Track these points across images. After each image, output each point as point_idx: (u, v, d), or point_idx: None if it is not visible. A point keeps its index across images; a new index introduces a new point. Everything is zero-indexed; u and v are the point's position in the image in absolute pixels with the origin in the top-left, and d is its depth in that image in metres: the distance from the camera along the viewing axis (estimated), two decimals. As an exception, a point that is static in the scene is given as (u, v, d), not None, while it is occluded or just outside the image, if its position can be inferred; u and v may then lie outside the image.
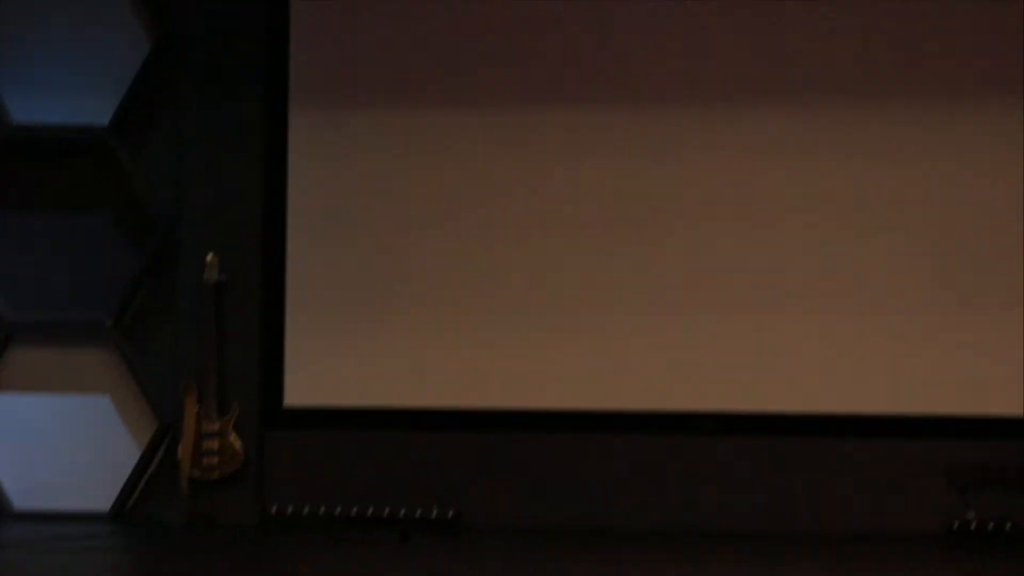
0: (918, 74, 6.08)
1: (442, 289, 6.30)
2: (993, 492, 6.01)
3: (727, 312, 6.15)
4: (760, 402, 6.13)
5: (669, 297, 6.19)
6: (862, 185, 6.08)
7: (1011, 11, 6.03)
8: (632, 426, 6.23)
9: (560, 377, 6.26)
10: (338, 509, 6.31)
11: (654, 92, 6.19)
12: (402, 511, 6.27)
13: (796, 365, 6.13)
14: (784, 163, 6.13)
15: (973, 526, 5.99)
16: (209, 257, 6.31)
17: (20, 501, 6.60)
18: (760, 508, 6.13)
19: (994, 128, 6.04)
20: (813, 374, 6.11)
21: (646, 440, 6.23)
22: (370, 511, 6.29)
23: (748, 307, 6.16)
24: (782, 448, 6.16)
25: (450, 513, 6.25)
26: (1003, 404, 6.01)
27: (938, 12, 6.08)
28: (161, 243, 6.45)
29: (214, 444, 6.30)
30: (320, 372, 6.37)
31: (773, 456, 6.15)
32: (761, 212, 6.15)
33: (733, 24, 6.16)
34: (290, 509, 6.33)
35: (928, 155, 6.06)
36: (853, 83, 6.10)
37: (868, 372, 6.08)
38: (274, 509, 6.35)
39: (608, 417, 6.24)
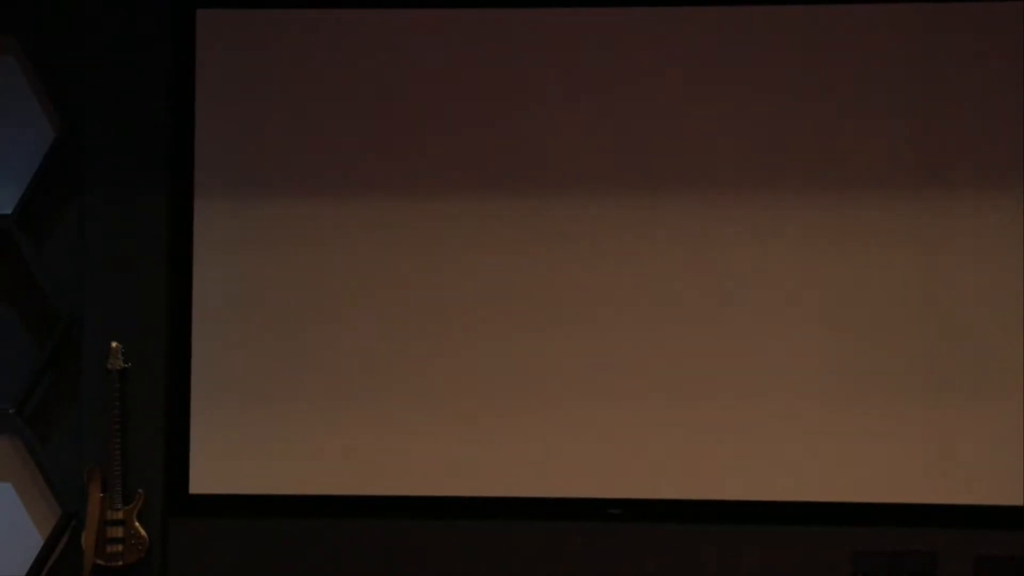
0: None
1: (347, 378, 6.26)
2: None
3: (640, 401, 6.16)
4: (676, 489, 6.15)
5: (595, 383, 6.20)
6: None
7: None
8: (539, 513, 6.21)
9: (463, 464, 6.23)
10: (243, 597, 6.21)
11: (562, 180, 6.22)
12: (306, 598, 6.19)
13: (715, 453, 6.14)
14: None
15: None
16: (113, 345, 6.25)
17: (-79, 590, 6.39)
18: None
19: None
20: (728, 461, 6.12)
21: (556, 526, 6.22)
22: (275, 598, 6.20)
23: (681, 396, 6.16)
24: (695, 534, 6.17)
25: (353, 600, 6.19)
26: (908, 493, 6.07)
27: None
28: (64, 332, 6.38)
29: (118, 532, 6.21)
30: (226, 459, 6.28)
31: (686, 542, 6.18)
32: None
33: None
34: (196, 597, 6.23)
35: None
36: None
37: (783, 461, 6.11)
38: (179, 597, 6.23)
39: (514, 503, 6.21)
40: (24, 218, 6.40)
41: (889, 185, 6.09)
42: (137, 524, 6.24)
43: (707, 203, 6.15)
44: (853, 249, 6.12)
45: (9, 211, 6.39)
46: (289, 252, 6.29)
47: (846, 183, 6.11)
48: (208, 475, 6.31)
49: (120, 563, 6.22)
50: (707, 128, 6.16)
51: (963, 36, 6.08)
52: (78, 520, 6.32)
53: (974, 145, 6.08)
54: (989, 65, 6.07)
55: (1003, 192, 6.06)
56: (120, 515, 6.23)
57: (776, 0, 6.17)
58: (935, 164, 6.09)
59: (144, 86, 6.31)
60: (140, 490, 6.26)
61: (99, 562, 6.21)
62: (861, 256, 6.11)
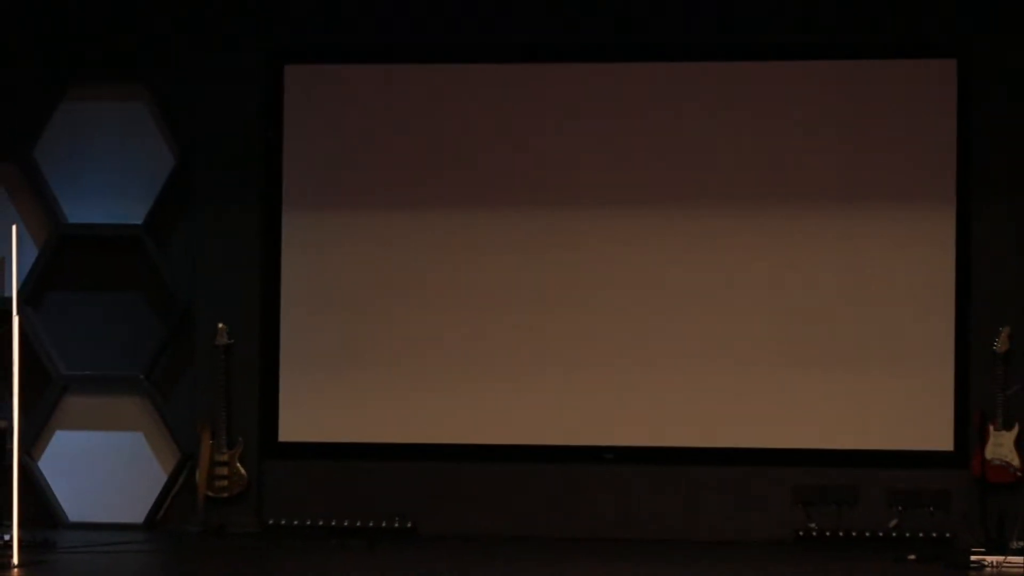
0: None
1: (403, 351, 7.08)
2: (831, 507, 6.91)
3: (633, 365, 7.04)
4: (656, 438, 7.01)
5: (592, 355, 7.04)
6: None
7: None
8: (551, 457, 7.02)
9: (492, 419, 7.07)
10: (321, 522, 7.06)
11: (567, 198, 7.08)
12: (370, 523, 7.02)
13: (686, 409, 6.99)
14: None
15: (814, 534, 6.95)
16: (220, 326, 7.08)
17: (73, 514, 7.34)
18: (652, 519, 6.94)
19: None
20: (698, 415, 6.98)
21: (564, 467, 7.01)
22: (345, 523, 7.03)
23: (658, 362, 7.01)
24: (670, 473, 6.95)
25: (408, 524, 7.02)
26: (837, 439, 6.97)
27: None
28: (181, 315, 7.22)
29: (224, 470, 7.04)
30: (307, 415, 7.12)
31: (663, 479, 6.94)
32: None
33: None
34: (283, 522, 7.14)
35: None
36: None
37: (734, 414, 6.99)
38: (271, 521, 7.17)
39: (531, 449, 7.02)
40: (151, 226, 7.33)
41: (829, 204, 6.98)
42: (239, 464, 7.07)
43: (684, 216, 7.06)
44: (800, 252, 7.00)
45: (139, 221, 7.33)
46: (356, 252, 7.15)
47: (796, 201, 6.98)
48: (293, 427, 7.17)
49: (226, 495, 7.07)
50: (689, 158, 7.05)
51: (895, 86, 6.96)
52: (193, 461, 7.16)
53: (893, 174, 6.98)
54: (919, 108, 6.91)
55: (911, 210, 6.96)
56: (225, 457, 7.07)
57: (743, 56, 7.06)
58: (864, 188, 6.97)
59: (243, 123, 7.20)
60: (240, 438, 7.10)
61: (209, 494, 7.06)
62: (806, 257, 7.00)
